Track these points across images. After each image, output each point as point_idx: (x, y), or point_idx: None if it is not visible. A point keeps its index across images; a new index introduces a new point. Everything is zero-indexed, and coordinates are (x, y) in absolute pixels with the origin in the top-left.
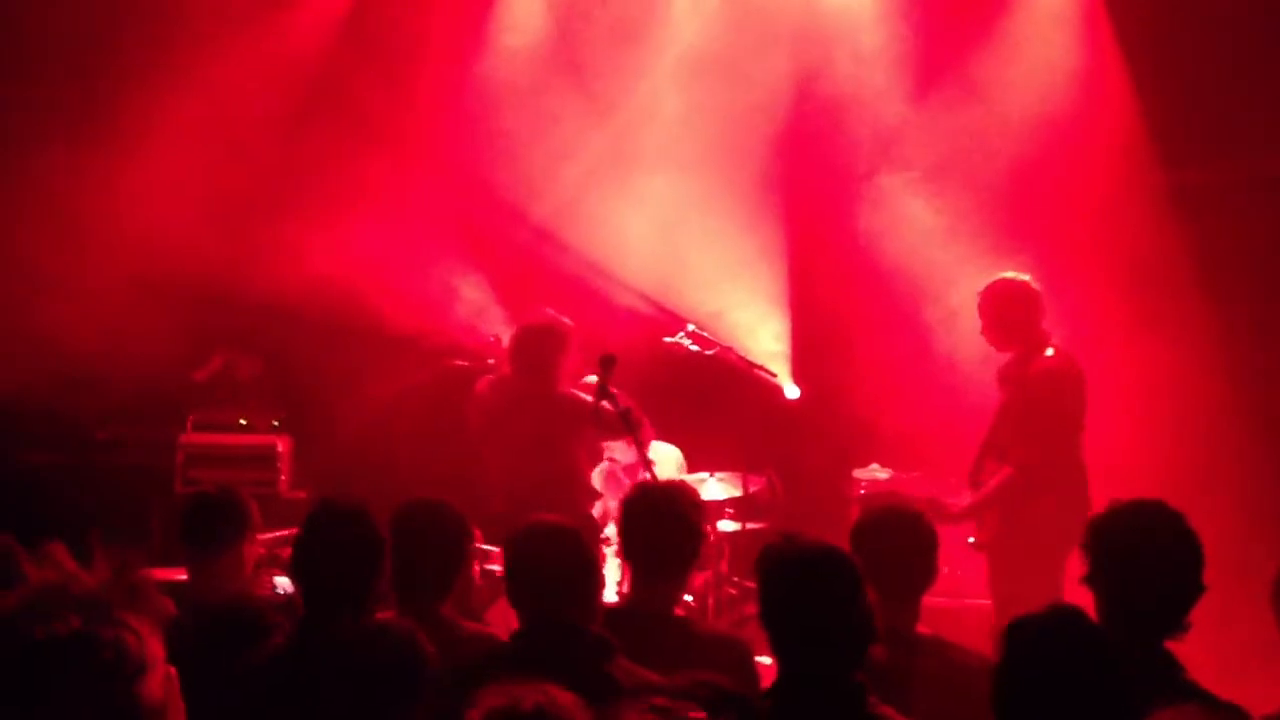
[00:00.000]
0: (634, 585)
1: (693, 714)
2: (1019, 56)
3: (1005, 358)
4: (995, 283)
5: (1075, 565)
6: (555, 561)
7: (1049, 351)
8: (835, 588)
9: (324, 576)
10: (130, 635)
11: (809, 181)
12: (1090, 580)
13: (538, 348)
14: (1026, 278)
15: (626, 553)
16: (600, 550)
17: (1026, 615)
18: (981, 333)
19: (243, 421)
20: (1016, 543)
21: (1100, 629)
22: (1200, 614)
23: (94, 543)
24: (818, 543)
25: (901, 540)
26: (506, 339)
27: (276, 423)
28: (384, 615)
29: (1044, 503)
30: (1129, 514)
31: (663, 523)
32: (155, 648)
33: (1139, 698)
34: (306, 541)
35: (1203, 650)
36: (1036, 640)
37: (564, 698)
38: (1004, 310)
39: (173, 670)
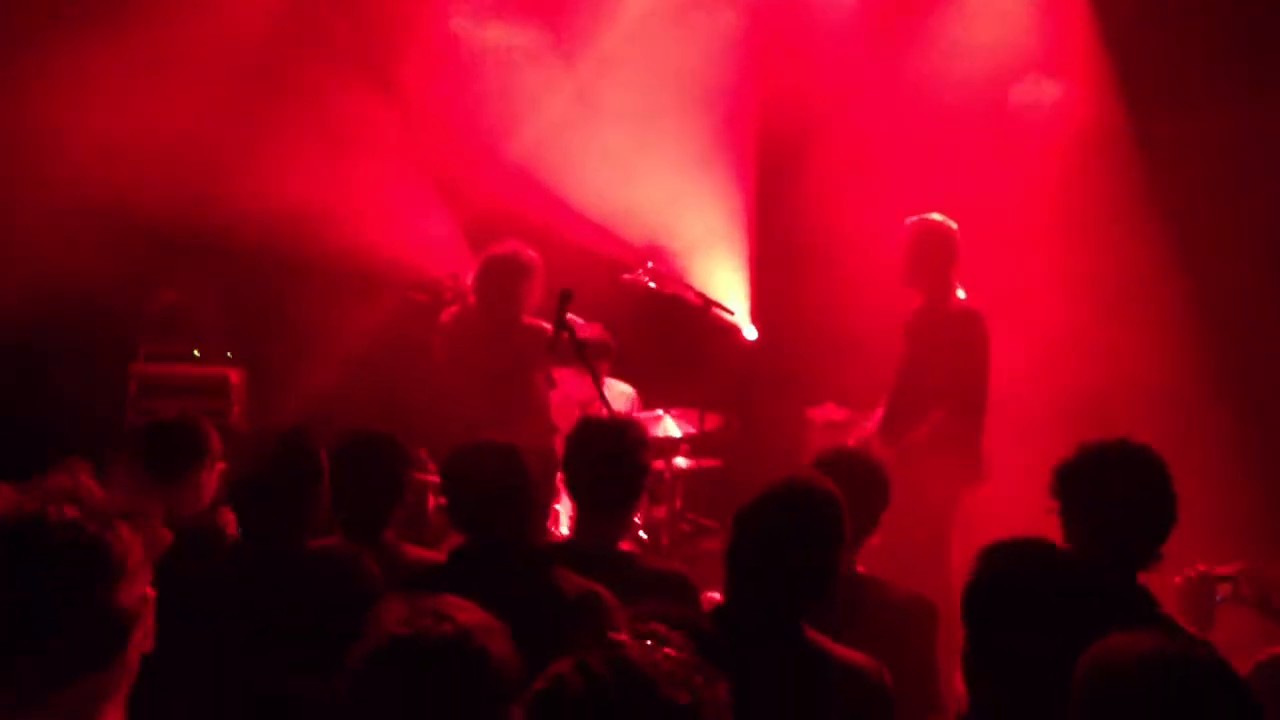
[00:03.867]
0: (577, 520)
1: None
2: (982, 11)
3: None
4: (920, 221)
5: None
6: (490, 480)
7: (961, 294)
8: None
9: (258, 500)
10: (118, 541)
11: (770, 124)
12: (1065, 519)
13: (502, 277)
14: (953, 224)
15: (569, 487)
16: (552, 476)
17: (1003, 540)
18: (895, 269)
19: (196, 353)
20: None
21: (1074, 557)
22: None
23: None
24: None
25: (853, 484)
26: (469, 273)
27: (230, 354)
28: (328, 541)
29: (954, 447)
30: (1099, 452)
31: (605, 458)
32: (137, 559)
33: (1115, 625)
34: (243, 465)
35: None
36: (1014, 557)
37: (471, 617)
38: (923, 249)
39: (151, 592)
